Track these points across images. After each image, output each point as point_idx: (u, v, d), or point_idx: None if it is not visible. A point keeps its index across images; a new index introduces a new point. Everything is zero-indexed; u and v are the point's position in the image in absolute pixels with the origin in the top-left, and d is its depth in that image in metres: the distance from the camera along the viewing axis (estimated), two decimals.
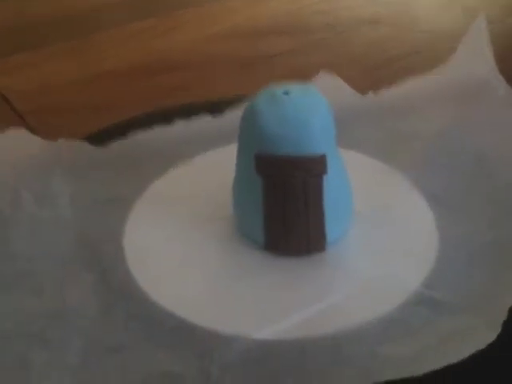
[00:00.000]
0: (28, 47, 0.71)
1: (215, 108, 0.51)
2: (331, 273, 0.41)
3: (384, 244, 0.42)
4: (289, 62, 0.66)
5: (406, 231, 0.43)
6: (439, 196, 0.45)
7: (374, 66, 0.69)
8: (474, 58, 0.54)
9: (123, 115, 0.53)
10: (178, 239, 0.43)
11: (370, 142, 0.50)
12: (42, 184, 0.46)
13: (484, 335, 0.34)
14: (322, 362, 0.35)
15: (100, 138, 0.50)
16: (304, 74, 0.55)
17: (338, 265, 0.41)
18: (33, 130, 0.50)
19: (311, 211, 0.39)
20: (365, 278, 0.40)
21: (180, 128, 0.50)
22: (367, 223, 0.43)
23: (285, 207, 0.39)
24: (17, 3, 0.81)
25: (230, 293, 0.40)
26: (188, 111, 0.51)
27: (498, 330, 0.34)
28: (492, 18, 0.64)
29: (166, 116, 0.51)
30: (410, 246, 0.42)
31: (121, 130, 0.50)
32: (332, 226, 0.40)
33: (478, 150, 0.49)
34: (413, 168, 0.48)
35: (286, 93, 0.38)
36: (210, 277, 0.41)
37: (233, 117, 0.45)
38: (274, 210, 0.40)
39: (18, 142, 0.47)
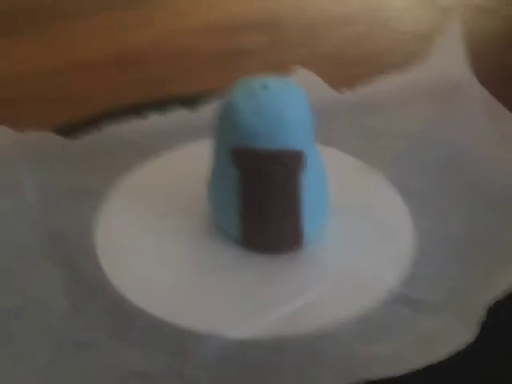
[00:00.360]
0: None
1: (189, 102, 0.50)
2: (308, 270, 0.40)
3: (361, 241, 0.41)
4: (264, 58, 0.65)
5: (383, 227, 0.42)
6: (414, 192, 0.45)
7: (348, 64, 0.69)
8: (448, 58, 0.54)
9: (94, 107, 0.52)
10: (151, 234, 0.42)
11: (344, 138, 0.50)
12: (7, 175, 0.45)
13: (462, 335, 0.33)
14: (299, 361, 0.34)
15: (70, 129, 0.49)
16: (279, 70, 0.54)
17: (315, 262, 0.40)
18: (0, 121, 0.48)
19: (288, 206, 0.39)
20: (342, 276, 0.39)
21: (153, 121, 0.49)
22: (344, 220, 0.42)
23: (261, 202, 0.39)
24: None
25: (204, 290, 0.39)
26: (161, 105, 0.50)
27: (476, 329, 0.33)
28: (465, 17, 0.65)
29: (138, 109, 0.50)
30: (387, 242, 0.41)
31: (92, 122, 0.48)
32: (309, 223, 0.40)
33: (451, 147, 0.49)
34: (387, 165, 0.47)
35: (264, 86, 0.37)
36: (184, 273, 0.40)
37: (207, 111, 0.44)
38: (251, 205, 0.39)
39: None
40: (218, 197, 0.40)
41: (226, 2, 0.78)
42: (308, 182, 0.39)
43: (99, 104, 0.53)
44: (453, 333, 0.34)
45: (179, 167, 0.45)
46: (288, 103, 0.37)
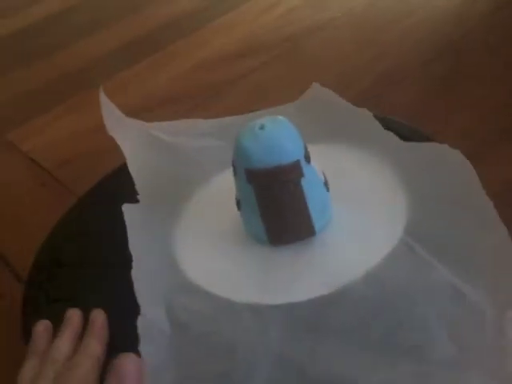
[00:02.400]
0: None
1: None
2: (322, 249, 0.53)
3: (363, 227, 0.54)
4: (252, 80, 0.76)
5: (380, 211, 0.54)
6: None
7: (327, 67, 0.77)
8: None
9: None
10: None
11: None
12: None
13: None
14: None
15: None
16: (265, 88, 0.65)
17: (327, 244, 0.53)
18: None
19: (298, 207, 0.51)
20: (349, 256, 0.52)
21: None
22: (345, 208, 0.54)
23: (276, 207, 0.51)
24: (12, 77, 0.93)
25: (257, 273, 0.52)
26: None
27: None
28: None
29: None
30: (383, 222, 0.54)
31: None
32: (316, 216, 0.52)
33: None
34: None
35: (261, 127, 0.51)
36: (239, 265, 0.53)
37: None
38: (268, 211, 0.52)
39: None
40: (245, 210, 0.53)
41: (216, 40, 0.89)
42: (309, 185, 0.51)
43: None
44: None
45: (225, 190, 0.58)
46: (280, 136, 0.51)
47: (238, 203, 0.54)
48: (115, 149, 0.59)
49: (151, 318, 0.46)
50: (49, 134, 0.80)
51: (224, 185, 0.59)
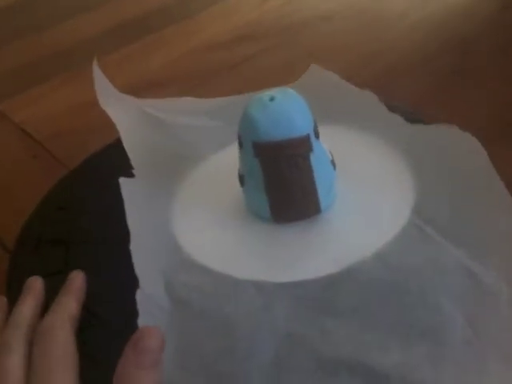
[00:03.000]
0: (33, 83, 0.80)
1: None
2: (327, 227, 0.51)
3: (369, 207, 0.52)
4: (253, 65, 0.74)
5: (385, 189, 0.53)
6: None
7: (330, 57, 0.77)
8: None
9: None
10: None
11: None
12: None
13: None
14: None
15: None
16: (267, 74, 0.64)
17: (332, 222, 0.51)
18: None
19: (305, 183, 0.49)
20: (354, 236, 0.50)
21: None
22: (350, 186, 0.53)
23: (283, 182, 0.49)
24: (16, 46, 0.90)
25: (260, 251, 0.50)
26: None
27: None
28: None
29: None
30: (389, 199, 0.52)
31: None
32: (322, 193, 0.50)
33: None
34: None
35: (271, 98, 0.49)
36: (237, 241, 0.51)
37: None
38: (275, 187, 0.49)
39: None
40: (249, 185, 0.51)
41: (214, 24, 0.88)
42: (317, 161, 0.49)
43: None
44: None
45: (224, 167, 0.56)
46: (291, 109, 0.49)
47: (242, 178, 0.51)
48: (110, 124, 0.56)
49: (150, 293, 0.44)
50: (42, 106, 0.78)
51: (223, 163, 0.58)
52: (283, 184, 0.49)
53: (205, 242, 0.51)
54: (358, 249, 0.47)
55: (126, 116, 0.60)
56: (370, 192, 0.53)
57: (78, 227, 0.54)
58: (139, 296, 0.42)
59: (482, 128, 0.57)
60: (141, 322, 0.40)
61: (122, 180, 0.50)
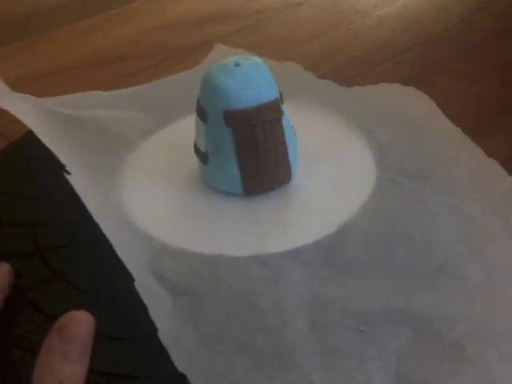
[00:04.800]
0: None
1: None
2: (305, 196, 0.49)
3: (333, 170, 0.51)
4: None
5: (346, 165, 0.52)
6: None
7: (299, 43, 0.75)
8: None
9: None
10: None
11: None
12: None
13: None
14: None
15: None
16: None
17: (307, 192, 0.49)
18: None
19: (279, 150, 0.47)
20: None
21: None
22: (310, 160, 0.51)
23: (257, 151, 0.47)
24: None
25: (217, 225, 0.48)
26: None
27: None
28: None
29: None
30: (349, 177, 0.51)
31: None
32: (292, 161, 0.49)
33: None
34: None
35: (237, 64, 0.47)
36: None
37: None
38: (248, 156, 0.47)
39: None
40: (216, 161, 0.48)
41: (186, 2, 0.85)
42: (286, 127, 0.48)
43: None
44: None
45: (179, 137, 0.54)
46: (257, 71, 0.47)
47: (205, 156, 0.48)
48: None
49: (146, 284, 0.40)
50: None
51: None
52: (258, 153, 0.47)
53: (179, 228, 0.47)
54: (344, 208, 0.47)
55: (36, 117, 0.54)
56: (330, 157, 0.52)
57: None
58: (139, 287, 0.37)
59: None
60: (152, 312, 0.36)
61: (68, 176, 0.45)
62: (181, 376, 0.33)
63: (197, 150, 0.49)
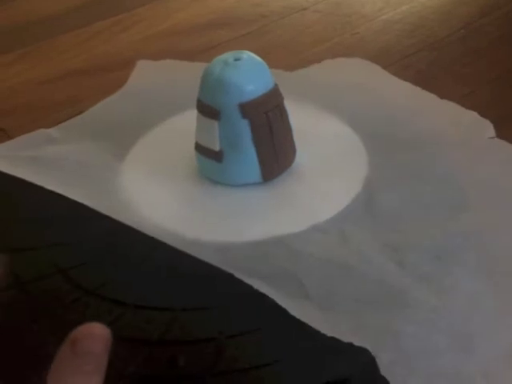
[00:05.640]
0: None
1: None
2: (302, 182, 0.52)
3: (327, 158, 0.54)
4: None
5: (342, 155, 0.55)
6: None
7: (304, 48, 0.75)
8: None
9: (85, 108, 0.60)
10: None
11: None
12: None
13: None
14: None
15: None
16: None
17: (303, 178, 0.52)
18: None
19: (288, 133, 0.51)
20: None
21: None
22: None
23: (272, 137, 0.49)
24: None
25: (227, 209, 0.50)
26: None
27: None
28: None
29: None
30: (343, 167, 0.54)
31: None
32: None
33: None
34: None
35: (237, 59, 0.49)
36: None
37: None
38: (265, 144, 0.49)
39: None
40: (233, 155, 0.50)
41: (190, 8, 0.85)
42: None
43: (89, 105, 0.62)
44: None
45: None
46: (256, 62, 0.50)
47: (219, 155, 0.49)
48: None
49: None
50: None
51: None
52: (273, 137, 0.49)
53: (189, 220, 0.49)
54: (352, 176, 0.51)
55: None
56: (315, 136, 0.55)
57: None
58: None
59: None
60: None
61: None
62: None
63: (205, 152, 0.50)
